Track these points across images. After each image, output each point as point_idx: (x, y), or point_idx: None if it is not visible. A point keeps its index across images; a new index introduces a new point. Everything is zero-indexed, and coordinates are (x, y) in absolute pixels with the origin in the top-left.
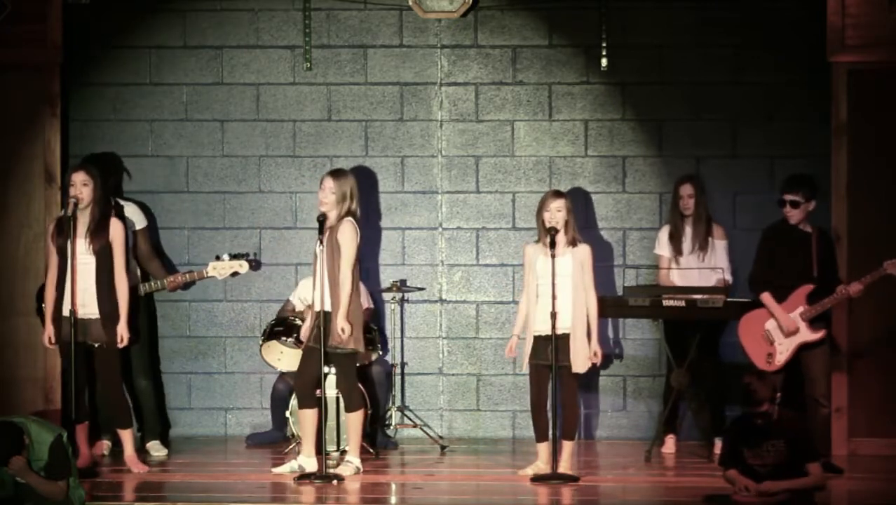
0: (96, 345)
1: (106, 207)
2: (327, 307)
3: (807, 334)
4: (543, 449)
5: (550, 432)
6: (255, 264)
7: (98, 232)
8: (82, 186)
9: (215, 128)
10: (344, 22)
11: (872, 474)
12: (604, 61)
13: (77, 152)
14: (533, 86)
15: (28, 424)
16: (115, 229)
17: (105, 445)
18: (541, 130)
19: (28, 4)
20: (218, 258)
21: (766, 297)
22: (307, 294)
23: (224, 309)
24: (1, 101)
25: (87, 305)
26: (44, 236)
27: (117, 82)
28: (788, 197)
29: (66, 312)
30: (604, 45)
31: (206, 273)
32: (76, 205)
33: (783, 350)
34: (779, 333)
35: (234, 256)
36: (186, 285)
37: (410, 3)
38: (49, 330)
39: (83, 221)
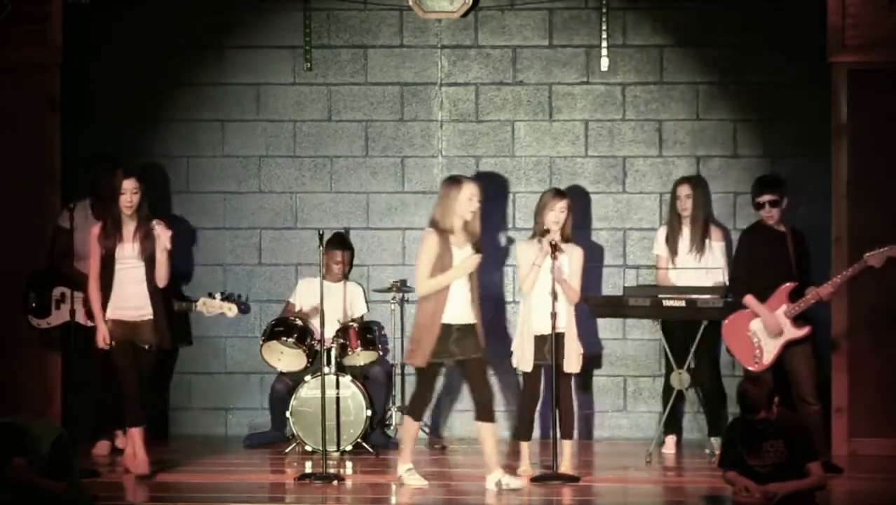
0: (146, 347)
1: (149, 212)
2: (470, 319)
3: (792, 332)
4: (527, 448)
5: (551, 432)
6: (244, 307)
7: (147, 238)
8: (132, 195)
9: (215, 128)
10: (344, 22)
11: (872, 474)
12: (604, 61)
13: (77, 152)
14: (533, 86)
15: (28, 424)
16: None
17: (105, 445)
18: (541, 130)
19: (28, 4)
20: (210, 295)
21: (749, 299)
22: (307, 296)
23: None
24: (1, 101)
25: (138, 308)
26: (44, 236)
27: (117, 82)
28: (768, 197)
29: (113, 315)
30: (604, 45)
31: (195, 308)
32: (72, 210)
33: (770, 349)
34: (764, 332)
35: (225, 298)
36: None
37: (410, 3)
38: (102, 330)
39: (130, 227)
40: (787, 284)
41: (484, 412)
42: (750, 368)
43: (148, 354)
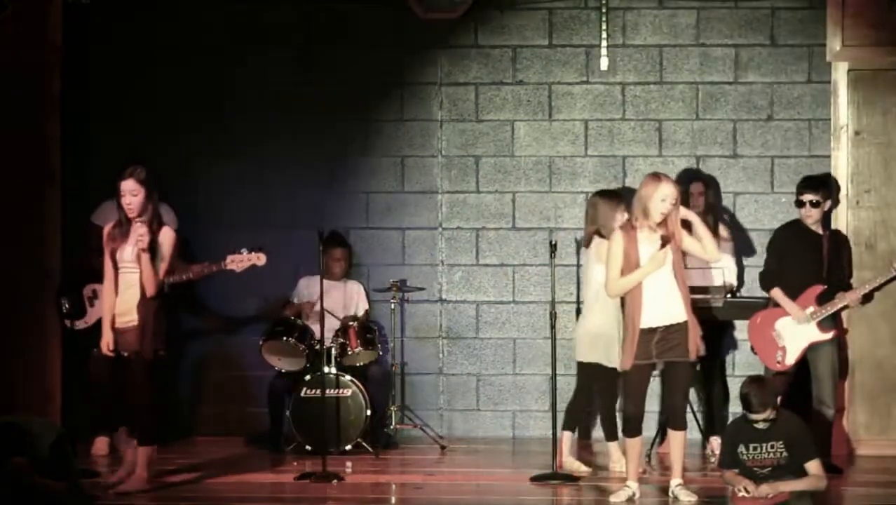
0: (125, 354)
1: (159, 217)
2: (677, 319)
3: (816, 334)
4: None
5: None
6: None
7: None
8: (131, 197)
9: (217, 128)
10: (344, 22)
11: (872, 474)
12: (603, 61)
13: (77, 153)
14: (533, 86)
15: (29, 424)
16: (166, 238)
17: (103, 441)
18: (541, 130)
19: (28, 4)
20: (236, 251)
21: (775, 292)
22: (307, 295)
23: (224, 308)
24: (1, 101)
25: (126, 314)
26: (44, 237)
27: (117, 82)
28: (809, 197)
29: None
30: (603, 45)
31: (225, 266)
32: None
33: (793, 350)
34: (789, 333)
35: (251, 250)
36: (204, 277)
37: (410, 3)
38: (108, 337)
39: (133, 230)
40: (817, 287)
41: (674, 420)
42: (771, 369)
43: (132, 362)
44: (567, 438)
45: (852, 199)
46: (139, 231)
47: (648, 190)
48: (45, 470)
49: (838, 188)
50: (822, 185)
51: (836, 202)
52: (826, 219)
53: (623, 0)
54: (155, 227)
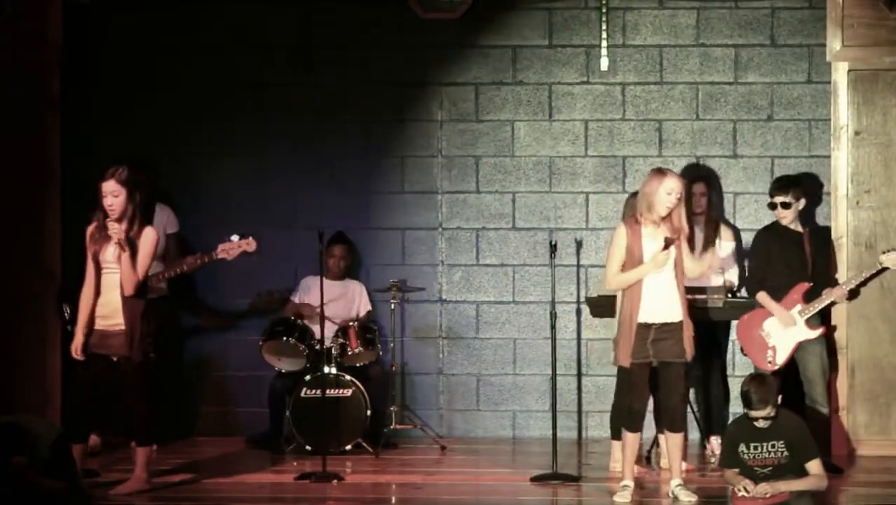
0: (115, 359)
1: (141, 218)
2: (674, 318)
3: (805, 332)
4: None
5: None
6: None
7: (129, 244)
8: (112, 198)
9: (218, 128)
10: (344, 22)
11: (872, 474)
12: (604, 61)
13: (77, 153)
14: (533, 86)
15: (29, 424)
16: (146, 238)
17: (96, 439)
18: (541, 130)
19: (28, 4)
20: (226, 240)
21: (761, 295)
22: (309, 294)
23: (224, 308)
24: (1, 101)
25: (111, 317)
26: (44, 237)
27: (117, 83)
28: (779, 199)
29: (95, 323)
30: (604, 45)
31: (216, 255)
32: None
33: (783, 348)
34: (777, 332)
35: (241, 236)
36: (199, 268)
37: (410, 3)
38: (79, 340)
39: (110, 229)
40: (802, 284)
41: (669, 421)
42: (763, 369)
43: (122, 365)
44: (615, 447)
45: (852, 199)
46: (113, 228)
47: (653, 184)
48: (45, 470)
49: (819, 186)
50: (793, 185)
51: (815, 200)
52: (805, 216)
53: (623, 0)
54: (136, 227)
